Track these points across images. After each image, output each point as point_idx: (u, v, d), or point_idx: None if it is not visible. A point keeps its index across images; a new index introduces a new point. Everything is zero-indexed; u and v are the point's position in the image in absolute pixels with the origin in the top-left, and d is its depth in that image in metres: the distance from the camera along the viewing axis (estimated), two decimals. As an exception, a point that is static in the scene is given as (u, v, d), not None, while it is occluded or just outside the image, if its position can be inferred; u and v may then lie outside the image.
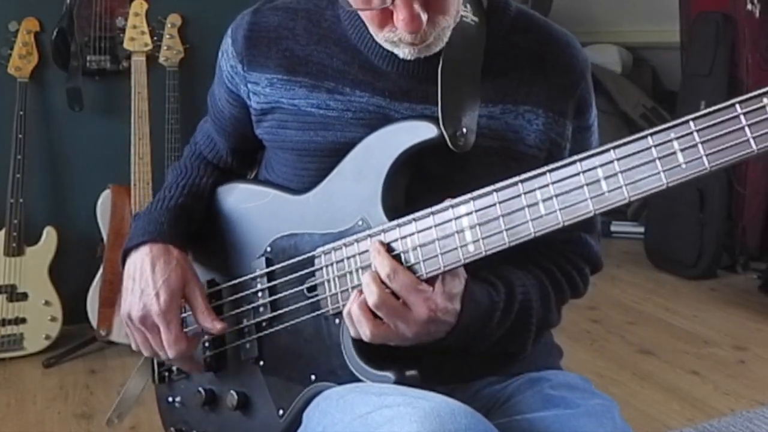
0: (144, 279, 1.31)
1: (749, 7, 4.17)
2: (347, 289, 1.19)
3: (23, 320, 3.22)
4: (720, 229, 4.28)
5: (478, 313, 1.18)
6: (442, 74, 1.22)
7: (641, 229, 4.76)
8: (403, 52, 1.21)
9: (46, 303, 3.25)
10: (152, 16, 3.34)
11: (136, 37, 3.28)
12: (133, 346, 1.36)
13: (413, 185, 1.22)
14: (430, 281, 1.12)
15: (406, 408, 1.01)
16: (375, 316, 1.13)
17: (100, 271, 3.24)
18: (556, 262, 1.34)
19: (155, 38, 3.34)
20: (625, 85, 5.37)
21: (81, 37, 3.28)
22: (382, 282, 1.12)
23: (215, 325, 1.30)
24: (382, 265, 1.12)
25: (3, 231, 3.21)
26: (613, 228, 4.98)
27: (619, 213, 5.24)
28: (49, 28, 3.29)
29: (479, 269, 1.19)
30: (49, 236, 3.28)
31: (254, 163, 1.49)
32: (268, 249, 1.31)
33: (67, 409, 2.89)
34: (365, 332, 1.13)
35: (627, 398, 2.91)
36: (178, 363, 1.36)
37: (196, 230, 1.40)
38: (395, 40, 1.19)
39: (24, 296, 3.22)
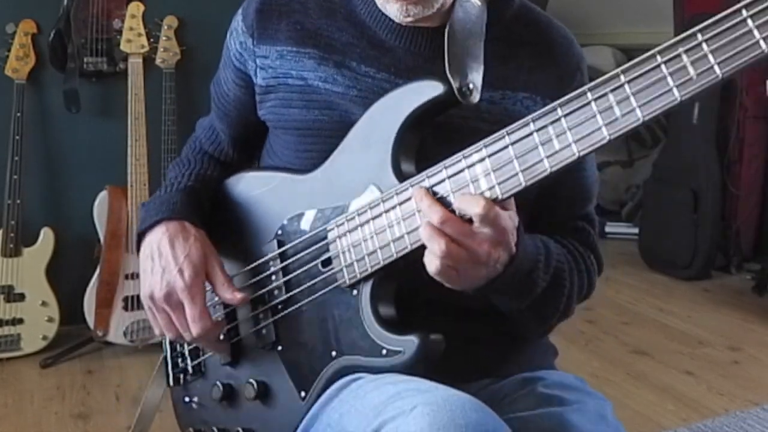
0: (164, 257, 1.29)
1: (743, 9, 4.18)
2: (363, 257, 1.18)
3: (20, 321, 3.23)
4: (714, 230, 4.30)
5: (529, 254, 1.17)
6: (448, 36, 1.22)
7: (635, 230, 4.78)
8: (393, 10, 1.24)
9: (43, 304, 3.25)
10: (149, 18, 3.35)
11: (132, 38, 3.29)
12: (156, 331, 1.33)
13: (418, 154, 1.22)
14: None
15: (419, 398, 1.00)
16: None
17: (97, 271, 3.25)
18: (573, 245, 1.34)
19: (152, 40, 3.35)
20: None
21: (78, 38, 3.29)
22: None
23: (235, 296, 1.27)
24: (437, 212, 1.08)
25: (0, 232, 3.21)
26: (607, 229, 4.99)
27: (613, 214, 5.26)
28: (46, 30, 3.30)
29: None
30: (46, 237, 3.29)
31: (254, 158, 1.49)
32: (279, 231, 1.30)
33: (64, 410, 2.89)
34: (439, 248, 1.07)
35: (621, 398, 2.93)
36: (203, 341, 1.32)
37: (204, 222, 1.38)
38: None
39: (21, 297, 3.22)
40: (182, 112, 3.36)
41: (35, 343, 3.26)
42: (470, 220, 1.08)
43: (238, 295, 1.28)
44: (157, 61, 3.38)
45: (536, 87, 1.30)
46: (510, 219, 1.10)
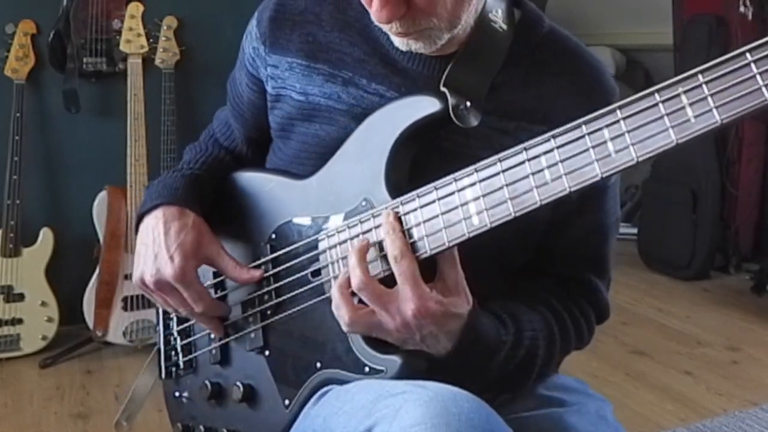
0: (157, 243, 1.28)
1: (742, 9, 4.19)
2: None
3: (20, 321, 3.23)
4: (713, 230, 4.30)
5: (482, 346, 1.15)
6: (455, 60, 1.20)
7: (634, 230, 4.78)
8: (395, 41, 1.20)
9: (43, 304, 3.26)
10: (148, 18, 3.35)
11: (132, 39, 3.29)
12: (164, 308, 1.35)
13: (418, 171, 1.19)
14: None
15: (410, 395, 1.00)
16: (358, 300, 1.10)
17: (97, 271, 3.25)
18: (568, 308, 1.30)
19: (151, 40, 3.35)
20: (618, 87, 5.39)
21: (77, 39, 3.29)
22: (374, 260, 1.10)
23: (253, 275, 1.28)
24: (394, 244, 1.08)
25: (0, 232, 3.22)
26: (606, 229, 4.98)
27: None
28: (45, 31, 3.30)
29: (489, 300, 1.17)
30: (45, 237, 3.30)
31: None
32: (273, 236, 1.29)
33: (64, 410, 2.90)
34: (344, 317, 1.10)
35: (620, 399, 2.93)
36: (207, 320, 1.32)
37: (206, 210, 1.37)
38: (379, 23, 1.18)
39: (21, 297, 3.23)
40: (182, 113, 3.37)
41: (35, 343, 3.26)
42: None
43: (256, 273, 1.28)
44: (157, 61, 3.38)
45: (557, 122, 1.20)
46: (440, 305, 1.08)
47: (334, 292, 1.11)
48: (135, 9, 3.29)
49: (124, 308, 3.26)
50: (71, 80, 3.29)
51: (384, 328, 1.10)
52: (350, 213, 1.19)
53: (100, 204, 3.27)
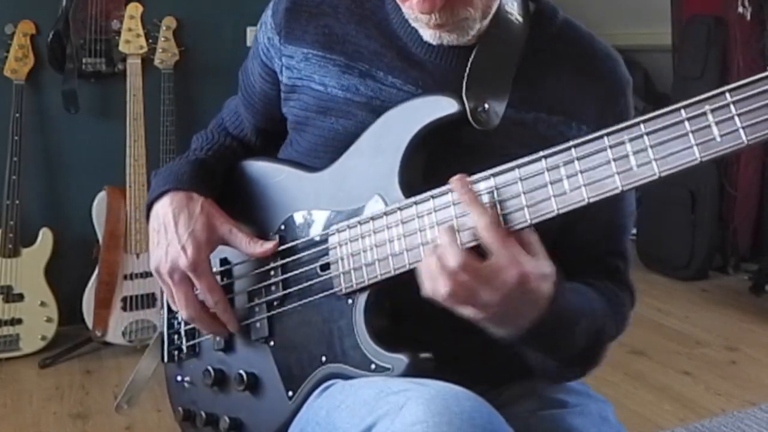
0: (169, 233, 1.29)
1: (741, 9, 4.20)
2: (361, 268, 1.15)
3: (19, 321, 3.24)
4: (711, 230, 4.30)
5: (568, 311, 1.12)
6: (475, 55, 1.20)
7: (633, 230, 4.77)
8: (426, 34, 1.21)
9: (42, 304, 3.26)
10: (147, 18, 3.36)
11: (131, 39, 3.29)
12: (168, 299, 1.34)
13: (433, 166, 1.18)
14: None
15: (412, 392, 0.99)
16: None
17: (96, 272, 3.26)
18: (612, 291, 1.31)
19: (150, 41, 3.35)
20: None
21: (76, 39, 3.29)
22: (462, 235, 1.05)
23: (266, 248, 1.27)
24: (482, 215, 1.02)
25: (-1, 232, 3.23)
26: (605, 229, 4.98)
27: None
28: (45, 31, 3.30)
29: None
30: (45, 237, 3.30)
31: (277, 148, 1.44)
32: (282, 227, 1.29)
33: (63, 410, 2.90)
34: (441, 290, 1.03)
35: (619, 399, 2.92)
36: (215, 316, 1.31)
37: (215, 194, 1.36)
38: (414, 17, 1.18)
39: (20, 297, 3.23)
40: (181, 113, 3.37)
41: (34, 343, 3.27)
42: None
43: (269, 245, 1.27)
44: (156, 61, 3.38)
45: (573, 110, 1.24)
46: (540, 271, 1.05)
47: (433, 265, 1.04)
48: (134, 9, 3.29)
49: (124, 308, 3.26)
50: (70, 81, 3.30)
51: (481, 303, 1.04)
52: (361, 210, 1.19)
53: (99, 204, 3.27)
